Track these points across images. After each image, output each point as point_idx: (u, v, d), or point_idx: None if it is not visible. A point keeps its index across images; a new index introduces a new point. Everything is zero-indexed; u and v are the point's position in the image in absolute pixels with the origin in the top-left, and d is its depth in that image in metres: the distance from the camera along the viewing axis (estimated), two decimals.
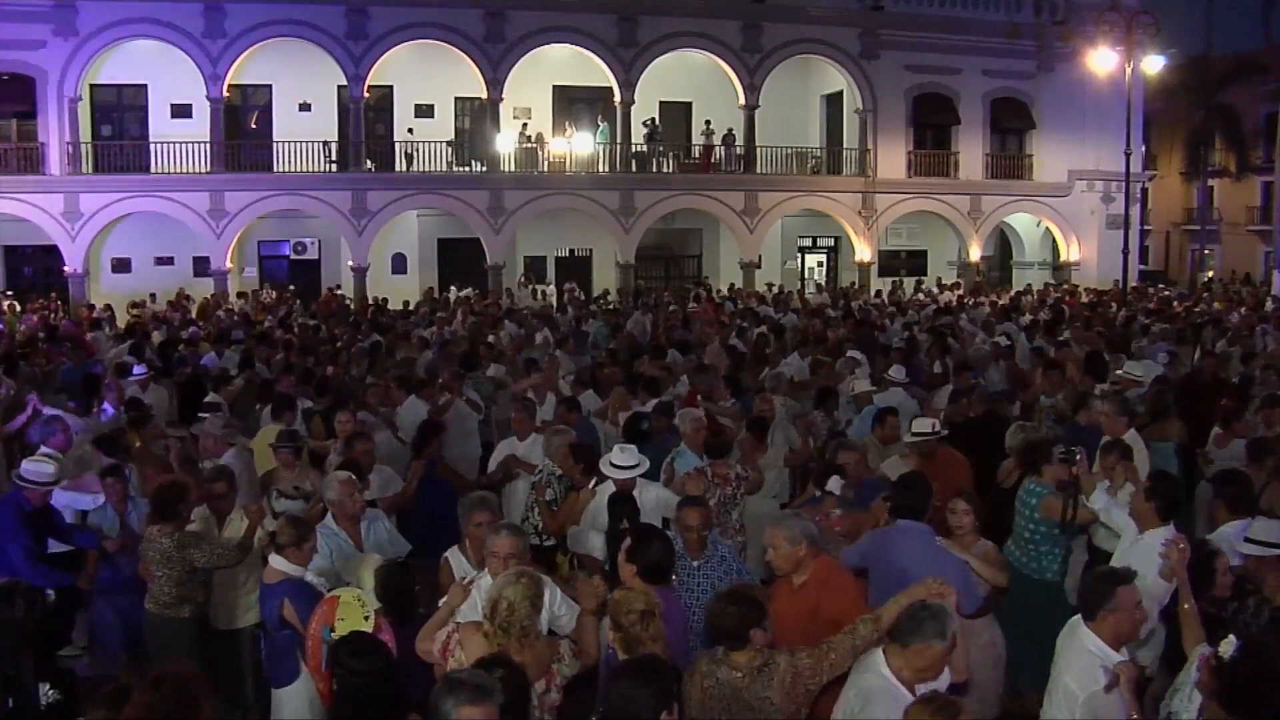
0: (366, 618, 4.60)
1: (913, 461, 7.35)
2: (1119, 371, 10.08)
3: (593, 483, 6.64)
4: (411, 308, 20.88)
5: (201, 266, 26.45)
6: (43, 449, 7.47)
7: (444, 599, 4.74)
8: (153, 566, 5.99)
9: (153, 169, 25.60)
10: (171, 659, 5.49)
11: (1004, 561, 5.92)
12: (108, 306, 21.64)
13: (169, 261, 27.01)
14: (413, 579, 5.16)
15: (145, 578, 6.09)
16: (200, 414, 9.02)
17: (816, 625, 4.74)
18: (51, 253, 25.71)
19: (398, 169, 27.08)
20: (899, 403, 9.38)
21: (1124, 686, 3.98)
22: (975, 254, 30.77)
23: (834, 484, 6.51)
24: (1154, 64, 26.85)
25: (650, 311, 19.74)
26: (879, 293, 26.75)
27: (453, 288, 25.14)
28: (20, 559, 6.26)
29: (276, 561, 5.20)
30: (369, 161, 27.11)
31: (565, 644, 4.37)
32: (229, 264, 26.18)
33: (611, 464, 6.43)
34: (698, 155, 29.24)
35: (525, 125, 27.97)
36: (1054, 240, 32.26)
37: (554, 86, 29.03)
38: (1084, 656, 4.13)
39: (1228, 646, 3.96)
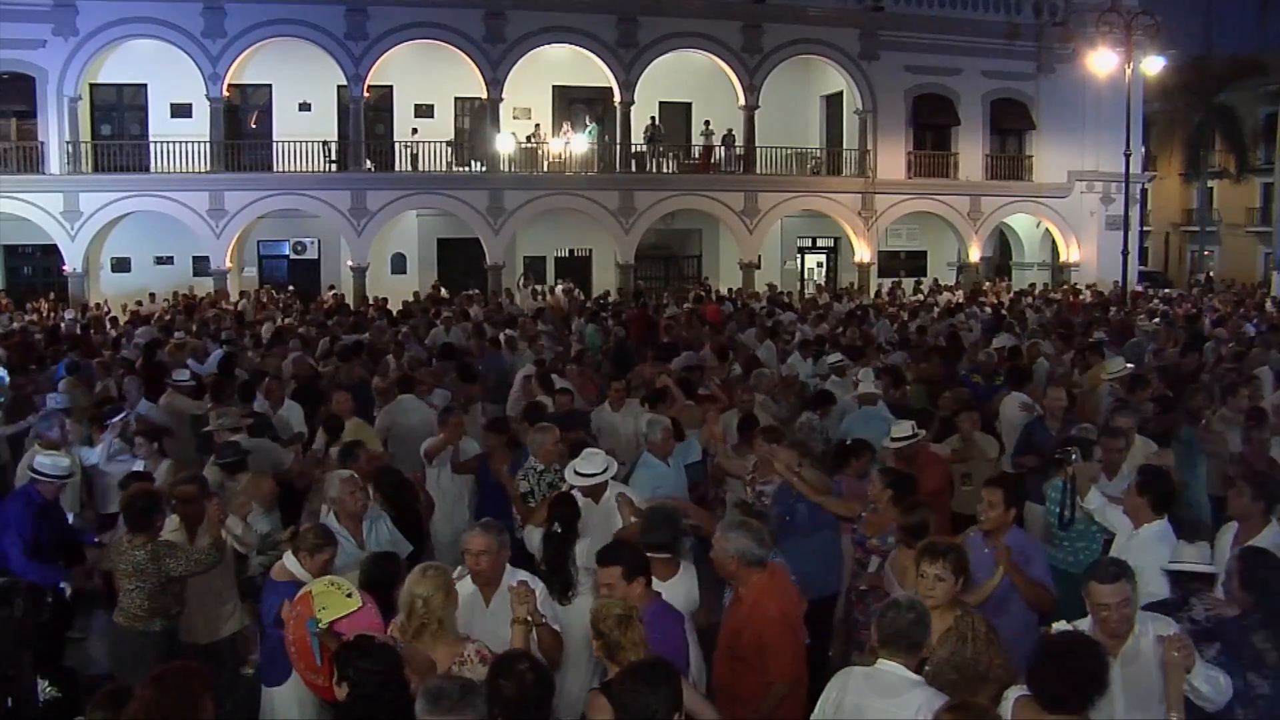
0: (350, 595, 4.40)
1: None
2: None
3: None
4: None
5: (201, 266, 26.47)
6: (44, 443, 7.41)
7: None
8: (123, 579, 5.65)
9: (153, 169, 25.59)
10: (138, 677, 5.36)
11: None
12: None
13: (169, 261, 27.06)
14: (398, 571, 5.00)
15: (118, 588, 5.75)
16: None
17: (738, 646, 4.64)
18: (51, 252, 25.72)
19: (397, 169, 27.06)
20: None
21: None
22: (975, 255, 30.77)
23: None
24: (1154, 65, 26.81)
25: (623, 318, 18.31)
26: (879, 293, 26.73)
27: (442, 290, 24.93)
28: (16, 551, 6.17)
29: (290, 562, 5.12)
30: (369, 161, 27.09)
31: (471, 648, 4.22)
32: (229, 264, 26.18)
33: (575, 472, 6.21)
34: (697, 155, 29.23)
35: (537, 127, 27.87)
36: (1053, 241, 32.26)
37: (554, 86, 29.03)
38: None
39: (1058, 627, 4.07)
